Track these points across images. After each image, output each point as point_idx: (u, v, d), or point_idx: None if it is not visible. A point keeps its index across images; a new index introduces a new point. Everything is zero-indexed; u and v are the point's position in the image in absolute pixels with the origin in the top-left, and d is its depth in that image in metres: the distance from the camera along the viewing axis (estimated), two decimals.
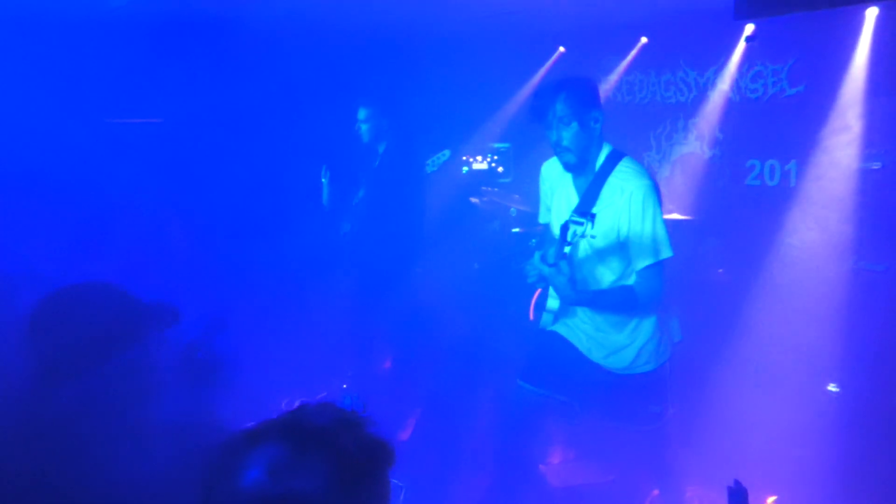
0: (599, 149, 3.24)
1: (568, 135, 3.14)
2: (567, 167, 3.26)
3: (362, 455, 1.31)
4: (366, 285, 5.06)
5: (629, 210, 3.11)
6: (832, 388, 4.26)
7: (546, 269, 3.01)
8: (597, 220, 2.97)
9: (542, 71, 6.38)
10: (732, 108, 5.27)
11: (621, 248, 3.20)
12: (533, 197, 5.98)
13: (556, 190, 3.46)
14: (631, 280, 3.25)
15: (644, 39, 5.70)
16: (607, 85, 6.02)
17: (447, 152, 4.91)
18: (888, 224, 4.37)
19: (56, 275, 4.64)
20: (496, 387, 4.82)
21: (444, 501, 4.03)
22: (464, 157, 5.75)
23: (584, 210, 3.06)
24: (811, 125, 4.72)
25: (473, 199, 5.96)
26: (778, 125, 4.97)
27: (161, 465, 1.68)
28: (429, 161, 4.93)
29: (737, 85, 5.22)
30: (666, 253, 3.14)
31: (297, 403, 4.36)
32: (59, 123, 4.98)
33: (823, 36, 4.61)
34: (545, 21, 5.66)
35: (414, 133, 5.16)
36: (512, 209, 5.86)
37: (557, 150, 3.21)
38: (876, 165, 4.39)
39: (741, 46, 5.04)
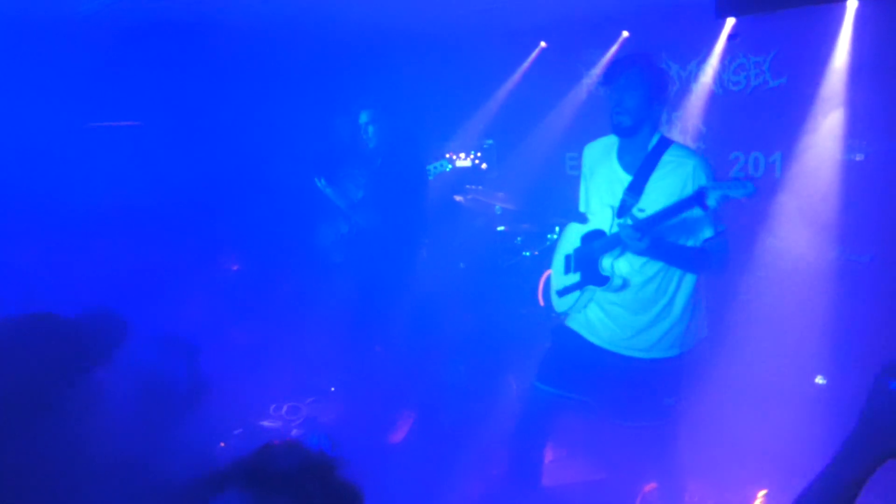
0: (652, 133, 3.38)
1: (631, 99, 3.28)
2: (618, 129, 3.37)
3: (329, 501, 1.26)
4: (367, 287, 5.01)
5: (693, 184, 3.22)
6: (819, 380, 4.28)
7: (636, 243, 3.10)
8: (652, 195, 3.22)
9: (524, 66, 6.36)
10: (715, 100, 5.27)
11: (679, 221, 3.27)
12: (517, 193, 6.00)
13: (598, 171, 3.54)
14: None
15: (625, 33, 5.68)
16: (589, 79, 6.01)
17: (448, 165, 4.89)
18: (872, 215, 4.39)
19: (31, 283, 4.61)
20: (490, 386, 4.83)
21: (435, 502, 4.02)
22: (447, 155, 5.72)
23: (638, 188, 3.29)
24: (794, 117, 4.73)
25: (458, 198, 5.93)
26: (761, 117, 4.98)
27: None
28: (429, 167, 4.92)
29: (719, 77, 5.22)
30: (720, 226, 3.31)
31: (284, 409, 4.33)
32: (36, 128, 4.92)
33: (805, 28, 4.61)
34: (526, 16, 5.64)
35: (415, 132, 5.13)
36: (497, 207, 5.84)
37: (617, 110, 3.33)
38: (859, 157, 4.41)
39: (723, 40, 5.04)
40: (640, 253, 3.21)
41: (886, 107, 4.30)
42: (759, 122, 4.98)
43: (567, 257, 3.61)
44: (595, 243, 3.42)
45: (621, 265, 3.37)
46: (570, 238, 3.62)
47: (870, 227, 4.41)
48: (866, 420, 1.48)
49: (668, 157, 3.32)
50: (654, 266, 3.34)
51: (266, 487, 1.23)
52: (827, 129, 4.56)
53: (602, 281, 3.39)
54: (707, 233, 3.29)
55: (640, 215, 3.24)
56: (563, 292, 3.59)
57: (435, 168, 4.89)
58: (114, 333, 1.96)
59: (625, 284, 3.38)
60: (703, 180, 3.23)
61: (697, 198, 3.03)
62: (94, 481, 1.69)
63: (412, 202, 4.83)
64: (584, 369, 3.51)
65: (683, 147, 3.42)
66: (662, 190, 3.26)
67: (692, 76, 5.37)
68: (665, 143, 3.37)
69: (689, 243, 3.32)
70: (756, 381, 4.39)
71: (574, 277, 3.53)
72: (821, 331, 4.33)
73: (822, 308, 4.40)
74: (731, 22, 4.89)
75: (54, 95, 5.03)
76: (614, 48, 5.75)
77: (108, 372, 1.89)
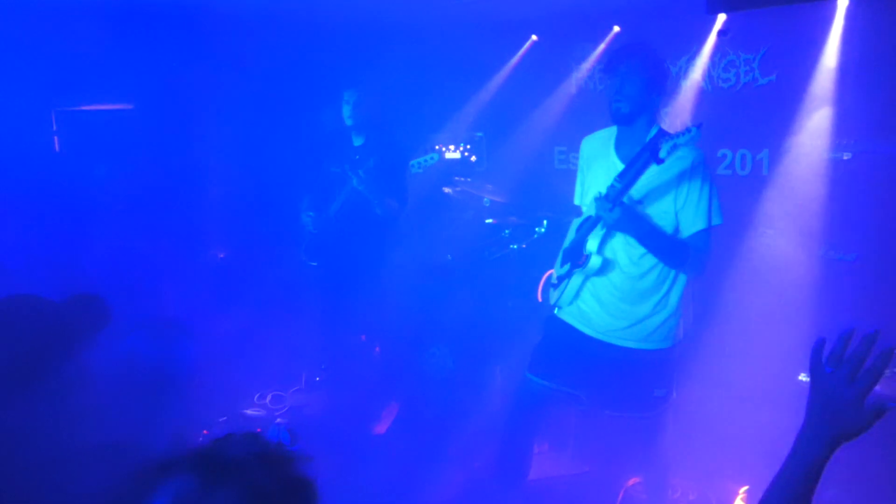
0: (650, 125, 3.39)
1: (631, 87, 3.29)
2: (616, 115, 3.37)
3: (279, 494, 1.22)
4: (342, 278, 5.00)
5: (688, 176, 3.25)
6: (803, 377, 4.29)
7: (607, 214, 3.13)
8: (645, 185, 3.21)
9: (515, 60, 6.34)
10: (704, 97, 5.27)
11: (671, 213, 3.29)
12: (505, 187, 5.99)
13: (595, 163, 3.55)
14: None
15: (617, 28, 5.68)
16: (580, 74, 6.00)
17: (435, 156, 4.85)
18: (858, 214, 4.41)
19: (20, 268, 4.58)
20: (476, 378, 4.83)
21: (419, 493, 4.02)
22: (436, 147, 5.71)
23: (629, 175, 3.26)
24: (783, 115, 4.74)
25: (446, 189, 5.92)
26: (750, 114, 4.98)
27: (93, 489, 1.60)
28: (414, 162, 4.87)
29: (709, 74, 5.22)
30: (716, 220, 3.32)
31: (268, 398, 4.34)
32: (25, 111, 4.88)
33: (795, 25, 4.62)
34: (518, 9, 5.62)
35: (396, 125, 5.09)
36: (485, 199, 5.82)
37: (616, 97, 3.34)
38: (846, 156, 4.42)
39: (713, 36, 5.04)
40: (613, 225, 3.22)
41: (874, 106, 4.32)
42: (748, 119, 4.99)
43: (564, 251, 3.62)
44: (583, 228, 3.44)
45: (620, 255, 3.37)
46: (571, 233, 3.64)
47: (856, 226, 4.43)
48: (813, 408, 1.55)
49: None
50: (653, 257, 3.34)
51: (213, 474, 1.20)
52: (814, 128, 4.58)
53: (583, 262, 3.40)
54: (700, 224, 3.29)
55: (627, 201, 3.25)
56: (557, 283, 3.61)
57: (424, 161, 4.84)
58: (97, 317, 1.94)
59: (605, 266, 3.38)
60: (697, 173, 3.26)
61: (651, 151, 3.06)
62: (76, 461, 1.68)
63: (393, 189, 4.81)
64: (575, 361, 3.52)
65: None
66: (661, 180, 3.27)
67: (682, 72, 5.38)
68: (664, 134, 3.34)
69: (681, 235, 3.32)
70: (740, 377, 4.40)
71: (567, 267, 3.54)
72: (805, 328, 4.35)
73: (807, 306, 4.41)
74: (721, 18, 4.89)
75: (44, 79, 4.98)
76: (605, 43, 5.75)
77: (92, 355, 1.88)
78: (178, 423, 2.13)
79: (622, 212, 3.13)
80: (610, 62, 3.40)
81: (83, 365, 1.87)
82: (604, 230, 3.35)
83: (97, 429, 1.83)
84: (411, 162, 4.81)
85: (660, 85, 3.37)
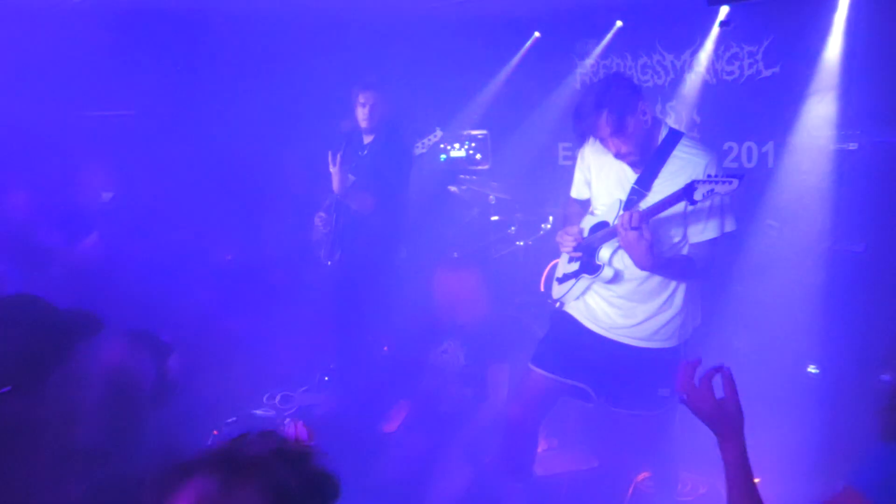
0: (658, 128, 3.31)
1: (625, 141, 3.19)
2: (634, 165, 3.32)
3: (302, 490, 1.21)
4: (349, 277, 5.01)
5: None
6: (812, 369, 4.29)
7: (630, 234, 3.05)
8: (660, 191, 3.16)
9: (518, 56, 6.33)
10: (709, 90, 5.25)
11: (684, 218, 3.25)
12: (510, 184, 5.99)
13: (605, 161, 3.45)
14: (684, 250, 3.34)
15: (619, 23, 5.67)
16: (583, 69, 5.99)
17: (438, 132, 4.83)
18: (865, 205, 4.38)
19: (23, 270, 4.59)
20: (484, 375, 4.82)
21: (429, 491, 4.02)
22: (441, 145, 5.71)
23: (646, 183, 3.24)
24: (787, 106, 4.72)
25: (452, 188, 5.92)
26: (754, 107, 4.96)
27: (81, 493, 1.61)
28: (418, 143, 4.85)
29: (713, 67, 5.20)
30: (730, 226, 3.29)
31: (277, 398, 4.33)
32: (28, 117, 4.89)
33: (798, 16, 4.61)
34: (520, 6, 5.62)
35: (403, 124, 5.10)
36: (490, 197, 5.83)
37: (620, 155, 3.26)
38: (852, 146, 4.40)
39: (716, 28, 5.02)
40: (625, 244, 3.17)
41: (880, 95, 4.30)
42: (753, 111, 4.97)
43: (575, 248, 3.61)
44: (597, 234, 3.43)
45: (625, 257, 3.36)
46: (585, 231, 3.62)
47: (863, 217, 4.41)
48: (714, 432, 1.96)
49: (679, 152, 3.27)
50: None
51: (233, 474, 1.19)
52: (820, 118, 4.56)
53: (594, 269, 3.39)
54: (709, 233, 3.26)
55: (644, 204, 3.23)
56: (562, 279, 3.60)
57: (424, 143, 4.82)
58: (90, 324, 1.96)
59: (616, 277, 3.37)
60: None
61: (687, 192, 3.02)
62: (53, 465, 1.69)
63: (397, 194, 4.81)
64: (580, 355, 3.51)
65: (694, 142, 3.38)
66: (671, 188, 3.19)
67: (686, 66, 5.36)
68: (675, 136, 3.32)
69: (688, 240, 3.30)
70: (748, 369, 4.37)
71: (574, 266, 3.53)
72: (813, 320, 4.34)
73: (815, 297, 4.39)
74: (724, 10, 4.87)
75: (47, 84, 5.00)
76: (608, 37, 5.74)
77: (79, 364, 1.89)
78: (161, 433, 2.12)
79: (635, 238, 3.05)
80: (583, 135, 3.27)
81: (77, 370, 1.89)
82: (618, 242, 3.33)
83: (76, 435, 1.84)
84: (415, 144, 4.80)
85: (641, 105, 3.20)
